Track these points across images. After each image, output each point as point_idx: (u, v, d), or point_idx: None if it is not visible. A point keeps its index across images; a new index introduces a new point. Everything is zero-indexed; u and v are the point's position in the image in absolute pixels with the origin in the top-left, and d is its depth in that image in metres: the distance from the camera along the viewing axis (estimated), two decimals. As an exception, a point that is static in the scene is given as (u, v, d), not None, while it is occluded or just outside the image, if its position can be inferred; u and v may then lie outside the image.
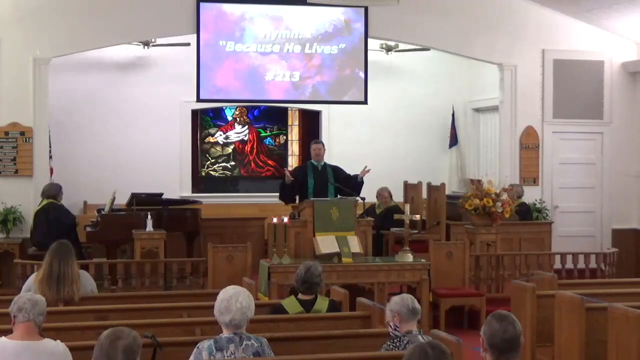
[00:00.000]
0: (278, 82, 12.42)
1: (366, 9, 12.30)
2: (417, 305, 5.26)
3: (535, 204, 12.62)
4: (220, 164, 15.84)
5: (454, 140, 15.58)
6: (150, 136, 14.46)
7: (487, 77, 13.98)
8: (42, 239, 10.20)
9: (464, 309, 9.94)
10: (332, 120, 15.29)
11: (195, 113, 15.21)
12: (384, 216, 11.30)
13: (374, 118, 15.09)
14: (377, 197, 12.13)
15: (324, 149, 11.06)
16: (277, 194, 14.21)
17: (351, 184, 10.67)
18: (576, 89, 12.92)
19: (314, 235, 9.25)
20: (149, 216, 10.57)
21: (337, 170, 10.80)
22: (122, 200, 11.53)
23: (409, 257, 9.28)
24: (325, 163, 10.74)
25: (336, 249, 9.10)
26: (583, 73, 12.94)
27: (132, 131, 14.39)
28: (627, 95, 13.12)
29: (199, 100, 12.44)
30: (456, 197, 12.35)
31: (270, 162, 16.03)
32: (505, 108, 12.90)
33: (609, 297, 6.95)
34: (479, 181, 11.73)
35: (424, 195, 12.32)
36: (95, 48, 12.55)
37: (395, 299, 5.30)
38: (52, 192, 10.74)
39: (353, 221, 9.41)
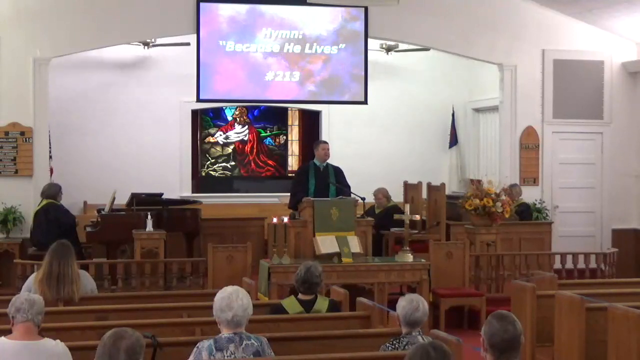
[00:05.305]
0: (278, 82, 12.42)
1: (366, 9, 12.30)
2: (419, 316, 5.13)
3: (535, 204, 12.63)
4: (220, 164, 15.85)
5: (454, 140, 15.59)
6: (150, 136, 14.46)
7: (487, 77, 13.98)
8: (42, 239, 10.20)
9: (464, 309, 9.94)
10: (332, 120, 15.30)
11: (195, 113, 15.22)
12: (383, 216, 11.29)
13: (374, 118, 15.10)
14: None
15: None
16: (277, 193, 14.35)
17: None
18: (576, 89, 12.92)
19: (314, 235, 9.25)
20: (149, 216, 10.56)
21: (338, 172, 10.76)
22: (122, 200, 11.53)
23: (409, 257, 9.28)
24: (327, 163, 10.71)
25: (336, 249, 9.10)
26: (583, 73, 12.95)
27: (132, 131, 14.40)
28: (627, 95, 13.12)
29: (198, 100, 12.43)
30: (456, 197, 12.35)
31: (270, 162, 16.04)
32: (505, 108, 12.90)
33: (609, 297, 6.95)
34: (479, 181, 11.72)
35: (424, 195, 12.32)
36: (95, 48, 12.55)
37: (402, 302, 5.19)
38: (52, 192, 10.73)
39: (353, 221, 9.41)
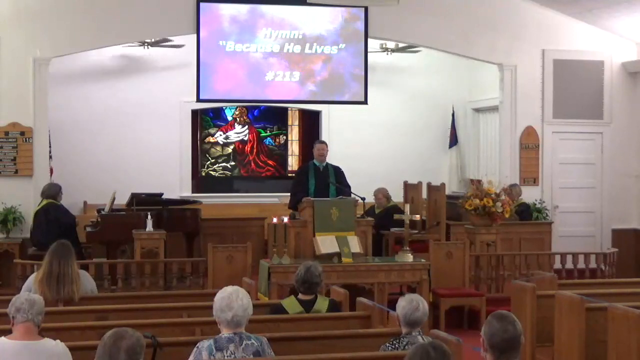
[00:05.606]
0: (278, 82, 12.42)
1: (366, 9, 12.30)
2: (419, 316, 5.13)
3: (535, 204, 12.63)
4: (220, 164, 15.85)
5: (454, 140, 15.59)
6: (150, 136, 14.46)
7: (487, 77, 13.99)
8: (42, 239, 10.20)
9: (464, 309, 9.94)
10: (332, 120, 15.30)
11: (195, 113, 15.22)
12: (383, 216, 11.29)
13: (374, 118, 15.09)
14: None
15: (327, 149, 11.00)
16: (277, 193, 14.36)
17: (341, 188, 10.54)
18: (576, 89, 12.92)
19: (314, 235, 9.25)
20: (149, 216, 10.56)
21: (338, 172, 10.77)
22: (122, 200, 11.53)
23: (409, 257, 9.28)
24: (327, 163, 10.71)
25: (336, 249, 9.10)
26: (583, 73, 12.94)
27: (132, 131, 14.40)
28: (627, 95, 13.12)
29: (198, 100, 12.43)
30: (456, 197, 12.35)
31: (270, 162, 16.04)
32: (505, 108, 12.90)
33: (609, 297, 6.95)
34: (479, 181, 11.72)
35: (424, 195, 12.31)
36: (95, 48, 12.55)
37: (402, 302, 5.21)
38: (52, 192, 10.73)
39: (353, 221, 9.41)
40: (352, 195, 10.13)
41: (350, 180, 10.79)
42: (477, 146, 15.49)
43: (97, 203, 12.72)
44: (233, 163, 15.90)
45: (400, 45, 14.33)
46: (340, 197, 9.90)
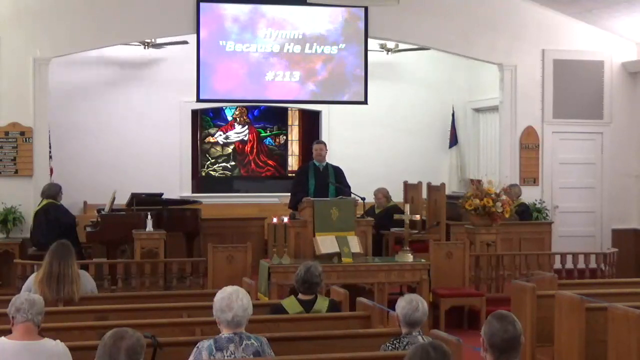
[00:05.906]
0: (278, 82, 12.42)
1: (366, 9, 12.30)
2: (418, 316, 5.14)
3: (535, 204, 12.63)
4: (220, 164, 15.85)
5: (454, 141, 15.59)
6: (150, 136, 14.46)
7: (487, 77, 13.99)
8: (42, 239, 10.20)
9: (464, 309, 9.94)
10: (332, 120, 15.30)
11: (195, 113, 15.22)
12: (383, 216, 11.29)
13: (374, 118, 15.09)
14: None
15: (326, 149, 10.98)
16: (277, 193, 14.37)
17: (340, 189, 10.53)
18: (576, 89, 12.92)
19: (314, 235, 9.25)
20: (149, 216, 10.56)
21: (338, 172, 10.77)
22: (122, 200, 11.53)
23: (409, 257, 9.28)
24: (327, 163, 10.71)
25: (336, 249, 9.10)
26: (583, 73, 12.95)
27: (132, 131, 14.40)
28: (627, 95, 13.12)
29: (198, 100, 12.43)
30: (456, 197, 12.35)
31: (270, 162, 16.05)
32: (505, 108, 12.91)
33: (609, 297, 6.95)
34: (479, 181, 11.72)
35: (424, 195, 12.31)
36: (95, 48, 12.56)
37: (401, 302, 5.22)
38: (52, 192, 10.73)
39: (353, 221, 9.41)
40: (352, 195, 10.13)
41: (350, 180, 10.79)
42: (477, 146, 15.49)
43: (97, 203, 12.72)
44: (233, 163, 15.90)
45: (400, 45, 14.34)
46: (340, 197, 9.90)
